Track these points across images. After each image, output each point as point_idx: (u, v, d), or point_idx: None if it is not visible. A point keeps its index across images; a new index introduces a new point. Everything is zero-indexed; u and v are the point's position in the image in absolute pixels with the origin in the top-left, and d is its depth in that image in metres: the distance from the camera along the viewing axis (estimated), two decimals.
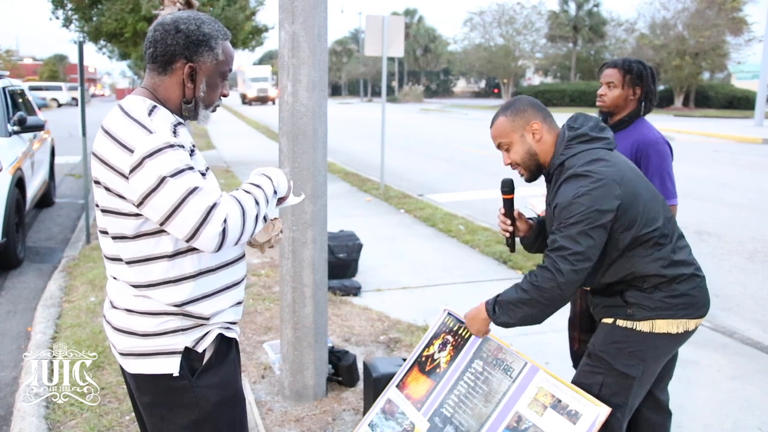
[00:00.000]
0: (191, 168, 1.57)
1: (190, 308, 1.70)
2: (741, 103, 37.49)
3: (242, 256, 1.85)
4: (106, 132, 1.62)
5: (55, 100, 40.90)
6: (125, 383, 1.93)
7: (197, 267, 1.69)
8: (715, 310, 4.90)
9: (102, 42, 14.44)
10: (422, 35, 70.59)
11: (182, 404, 1.73)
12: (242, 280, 1.85)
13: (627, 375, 2.16)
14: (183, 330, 1.71)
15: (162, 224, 1.56)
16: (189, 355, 1.72)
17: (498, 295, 2.21)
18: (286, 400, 3.42)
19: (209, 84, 1.74)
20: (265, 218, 1.72)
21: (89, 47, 17.40)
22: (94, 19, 13.34)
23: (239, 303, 1.86)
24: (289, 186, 1.90)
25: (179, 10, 6.99)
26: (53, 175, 9.13)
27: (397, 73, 67.61)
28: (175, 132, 1.63)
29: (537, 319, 2.12)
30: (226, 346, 1.81)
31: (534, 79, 62.39)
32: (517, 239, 2.50)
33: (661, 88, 37.57)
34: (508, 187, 2.39)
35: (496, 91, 67.07)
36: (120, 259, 1.69)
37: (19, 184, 6.17)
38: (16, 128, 6.69)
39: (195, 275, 1.69)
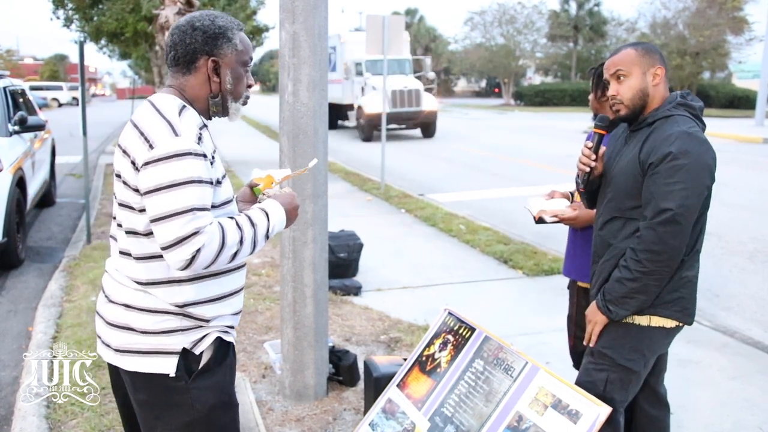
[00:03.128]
0: (202, 182, 1.59)
1: (192, 309, 1.71)
2: (742, 102, 37.46)
3: (243, 265, 1.85)
4: (135, 125, 1.65)
5: (55, 99, 40.92)
6: (111, 381, 1.91)
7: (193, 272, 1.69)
8: (716, 310, 4.90)
9: (103, 42, 14.49)
10: (423, 35, 70.53)
11: (177, 405, 1.73)
12: (241, 289, 1.86)
13: (630, 370, 2.19)
14: (182, 330, 1.71)
15: (153, 222, 1.58)
16: (186, 356, 1.72)
17: (605, 292, 2.18)
18: (286, 400, 3.42)
19: (234, 76, 1.77)
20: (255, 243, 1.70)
21: (90, 47, 17.42)
22: (95, 18, 13.37)
23: (238, 312, 1.85)
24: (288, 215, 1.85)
25: (180, 9, 6.99)
26: (54, 175, 9.14)
27: None
28: (200, 138, 1.64)
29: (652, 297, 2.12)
30: (224, 350, 1.81)
31: (535, 79, 62.32)
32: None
33: None
34: (603, 122, 2.33)
35: (496, 90, 67.01)
36: (129, 254, 1.70)
37: (19, 183, 6.18)
38: (16, 128, 6.69)
39: (192, 279, 1.70)
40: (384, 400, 2.57)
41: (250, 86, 1.84)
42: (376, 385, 2.97)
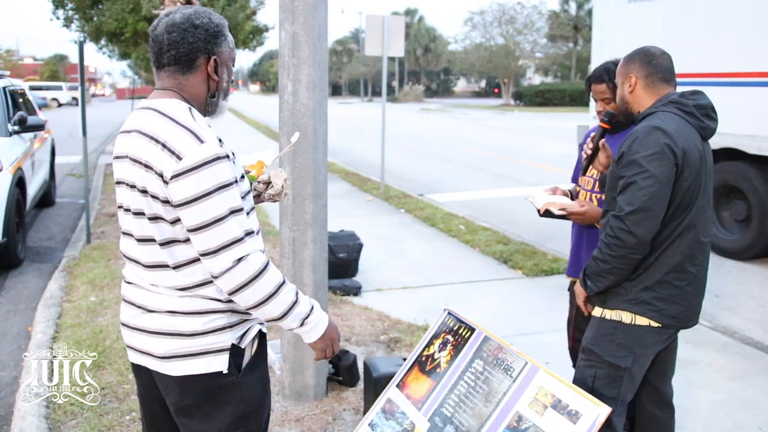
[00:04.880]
0: (232, 184, 1.59)
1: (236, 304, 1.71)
2: None
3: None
4: (151, 137, 1.60)
5: (55, 99, 40.89)
6: (142, 390, 1.88)
7: None
8: (716, 310, 4.90)
9: (102, 42, 14.45)
10: (423, 35, 70.53)
11: (230, 401, 1.74)
12: None
13: (617, 366, 2.23)
14: (230, 327, 1.71)
15: (192, 231, 1.57)
16: (234, 351, 1.72)
17: (585, 268, 2.30)
18: (286, 400, 3.42)
19: (228, 73, 1.77)
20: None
21: (90, 47, 17.40)
22: (95, 18, 13.34)
23: None
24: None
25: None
26: (54, 175, 9.13)
27: (398, 72, 67.55)
28: (220, 140, 1.64)
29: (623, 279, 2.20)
30: (261, 341, 1.84)
31: (534, 79, 62.36)
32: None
33: None
34: (608, 117, 2.52)
35: (496, 90, 67.03)
36: (165, 266, 1.67)
37: (19, 183, 6.18)
38: (16, 128, 6.70)
39: None
40: (383, 400, 2.57)
41: (232, 81, 1.84)
42: (376, 385, 2.97)
